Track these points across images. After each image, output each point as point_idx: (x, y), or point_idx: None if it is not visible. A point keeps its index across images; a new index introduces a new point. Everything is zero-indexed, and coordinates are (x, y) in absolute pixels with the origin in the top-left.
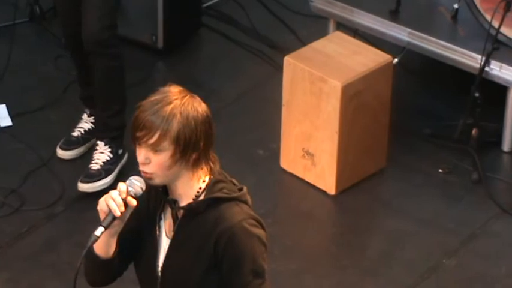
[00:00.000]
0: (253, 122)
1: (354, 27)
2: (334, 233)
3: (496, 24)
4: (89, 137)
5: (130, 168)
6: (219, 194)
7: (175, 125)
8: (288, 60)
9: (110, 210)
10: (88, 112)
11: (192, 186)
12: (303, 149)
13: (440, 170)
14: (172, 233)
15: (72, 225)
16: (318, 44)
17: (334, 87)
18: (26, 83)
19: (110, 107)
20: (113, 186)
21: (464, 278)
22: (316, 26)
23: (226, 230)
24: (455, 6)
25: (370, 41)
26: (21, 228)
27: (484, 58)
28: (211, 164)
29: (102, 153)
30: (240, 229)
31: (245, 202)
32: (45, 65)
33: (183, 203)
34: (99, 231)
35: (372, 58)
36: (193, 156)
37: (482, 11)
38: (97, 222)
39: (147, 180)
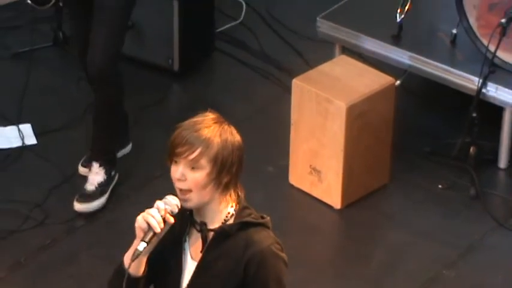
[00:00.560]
0: (263, 141)
1: (359, 51)
2: (339, 245)
3: (492, 48)
4: None
5: (121, 188)
6: (248, 219)
7: (215, 145)
8: (296, 83)
9: (149, 227)
10: None
11: (221, 210)
12: (310, 165)
13: (439, 186)
14: (200, 255)
15: (92, 238)
16: (325, 67)
17: (340, 107)
18: (49, 103)
19: (108, 130)
20: (105, 206)
21: None
22: (323, 50)
23: (257, 253)
24: (454, 31)
25: (374, 64)
26: (45, 240)
27: (481, 80)
28: (239, 192)
29: (97, 175)
30: (269, 253)
31: (269, 228)
32: (67, 87)
33: (211, 226)
34: (141, 246)
35: (375, 80)
36: (226, 179)
37: (479, 36)
38: (115, 236)
39: (183, 202)
